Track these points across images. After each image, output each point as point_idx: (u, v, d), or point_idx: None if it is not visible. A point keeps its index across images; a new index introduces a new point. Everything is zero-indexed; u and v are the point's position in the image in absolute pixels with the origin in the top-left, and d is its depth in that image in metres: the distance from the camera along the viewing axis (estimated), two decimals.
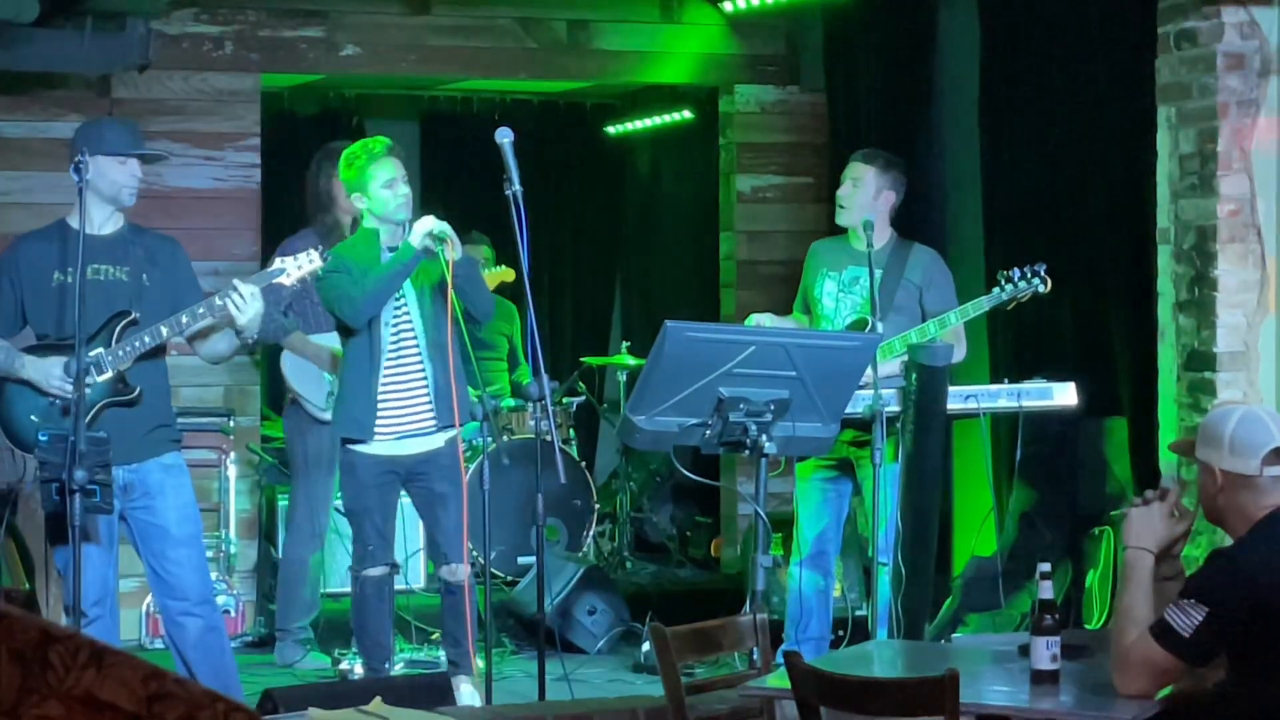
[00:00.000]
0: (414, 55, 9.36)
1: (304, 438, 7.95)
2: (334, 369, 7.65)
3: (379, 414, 6.76)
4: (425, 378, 6.79)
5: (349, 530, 7.23)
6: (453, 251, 6.63)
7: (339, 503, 7.48)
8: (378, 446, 6.78)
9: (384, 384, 6.77)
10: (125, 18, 8.31)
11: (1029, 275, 7.01)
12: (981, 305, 7.08)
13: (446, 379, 6.76)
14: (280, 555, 8.28)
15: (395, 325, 6.79)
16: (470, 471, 8.68)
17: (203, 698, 1.95)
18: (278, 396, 10.51)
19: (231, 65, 8.90)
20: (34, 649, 1.83)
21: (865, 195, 7.21)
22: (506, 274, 9.12)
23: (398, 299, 6.76)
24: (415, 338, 6.80)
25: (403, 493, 6.98)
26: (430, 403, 6.79)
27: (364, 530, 6.86)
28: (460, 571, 6.84)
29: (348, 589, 7.29)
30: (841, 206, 7.23)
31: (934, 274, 7.26)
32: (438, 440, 6.82)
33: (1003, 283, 7.03)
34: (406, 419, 6.78)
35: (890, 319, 7.03)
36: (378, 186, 6.75)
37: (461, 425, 6.84)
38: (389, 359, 6.77)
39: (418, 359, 6.79)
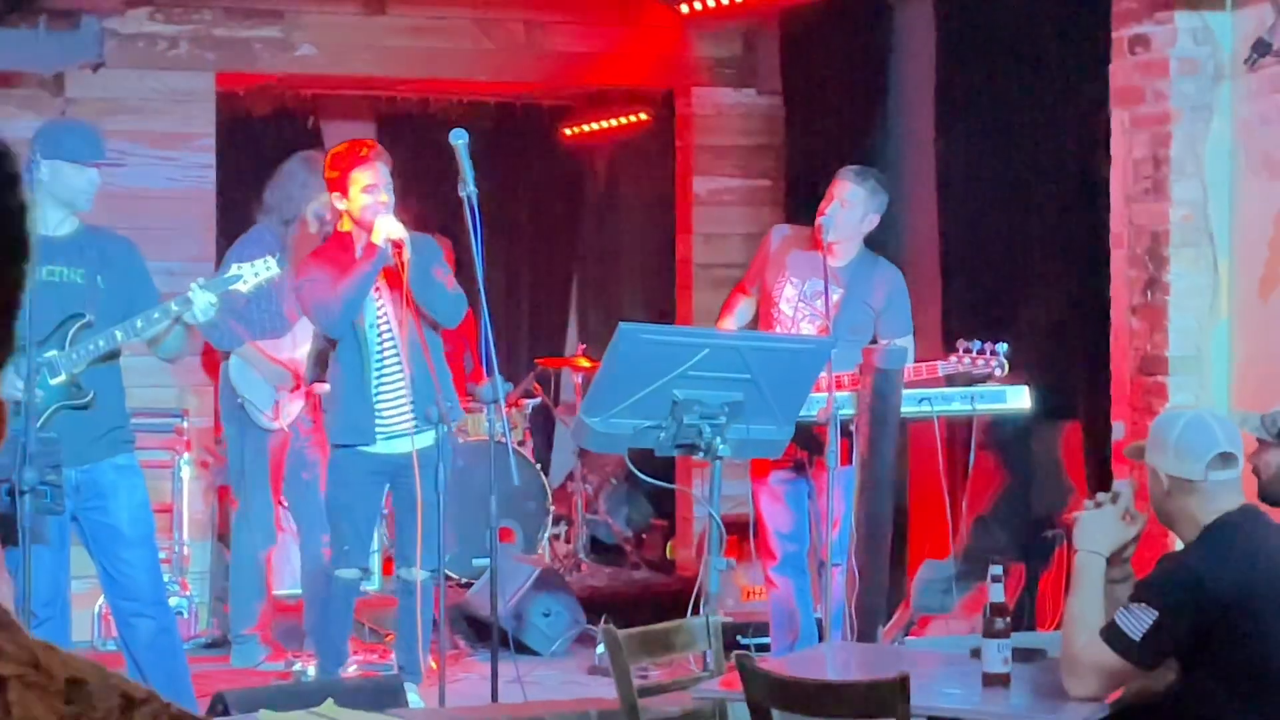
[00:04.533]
0: (370, 56, 9.33)
1: (247, 441, 7.93)
2: (281, 381, 7.68)
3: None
4: (404, 379, 6.79)
5: (296, 530, 7.21)
6: (407, 252, 6.65)
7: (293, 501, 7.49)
8: (368, 449, 6.78)
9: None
10: (80, 16, 8.28)
11: (988, 355, 6.82)
12: (936, 370, 6.96)
13: (425, 379, 6.77)
14: (231, 565, 8.23)
15: (378, 328, 6.80)
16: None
17: None
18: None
19: (187, 65, 8.86)
20: (117, 717, 1.69)
21: (852, 217, 7.10)
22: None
23: (378, 303, 6.76)
24: (394, 340, 6.80)
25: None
26: (410, 402, 6.78)
27: (341, 528, 6.87)
28: (417, 573, 6.85)
29: (299, 590, 7.28)
30: (826, 226, 7.00)
31: (893, 297, 7.19)
32: (424, 439, 6.79)
33: (960, 352, 6.89)
34: (389, 420, 6.78)
35: (846, 339, 6.98)
36: (358, 189, 6.74)
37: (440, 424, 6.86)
38: (374, 362, 6.79)
39: (398, 361, 6.80)
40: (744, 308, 7.35)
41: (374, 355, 6.78)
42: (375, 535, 7.19)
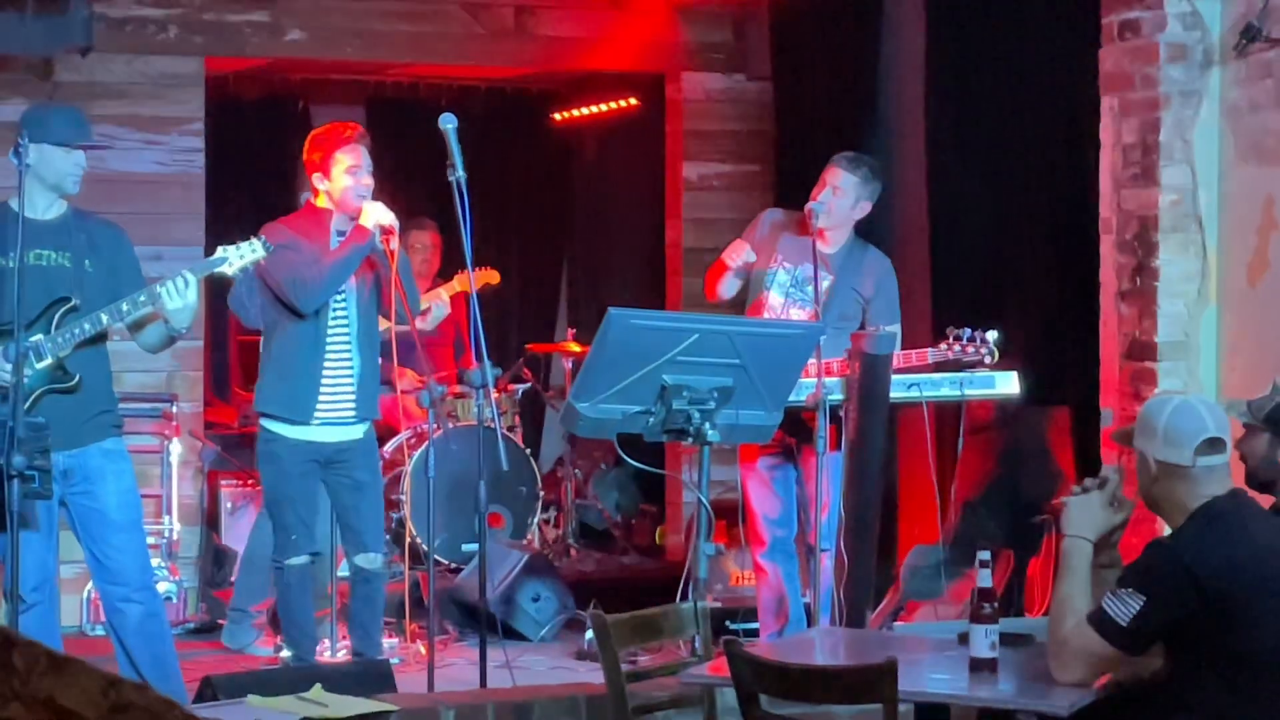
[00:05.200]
0: (359, 40, 9.31)
1: None
2: None
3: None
4: (351, 367, 6.79)
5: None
6: (395, 241, 6.65)
7: None
8: (299, 431, 6.77)
9: None
10: None
11: (979, 343, 6.88)
12: (926, 357, 6.99)
13: (371, 370, 6.79)
14: (249, 538, 8.21)
15: (335, 311, 6.79)
16: (416, 457, 8.70)
17: (162, 706, 1.93)
18: (223, 383, 10.47)
19: (175, 49, 8.85)
20: None
21: (844, 204, 7.10)
22: (491, 276, 9.11)
23: (341, 286, 6.75)
24: (348, 327, 6.80)
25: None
26: (353, 392, 6.79)
27: (286, 519, 6.86)
28: (378, 560, 6.87)
29: None
30: (817, 212, 7.00)
31: (883, 286, 7.19)
32: (356, 431, 6.83)
33: (950, 340, 6.93)
34: (329, 406, 6.78)
35: (835, 325, 6.98)
36: (341, 171, 6.75)
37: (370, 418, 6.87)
38: (324, 344, 6.79)
39: (347, 348, 6.80)
40: (732, 280, 7.30)
41: (325, 337, 6.78)
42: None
